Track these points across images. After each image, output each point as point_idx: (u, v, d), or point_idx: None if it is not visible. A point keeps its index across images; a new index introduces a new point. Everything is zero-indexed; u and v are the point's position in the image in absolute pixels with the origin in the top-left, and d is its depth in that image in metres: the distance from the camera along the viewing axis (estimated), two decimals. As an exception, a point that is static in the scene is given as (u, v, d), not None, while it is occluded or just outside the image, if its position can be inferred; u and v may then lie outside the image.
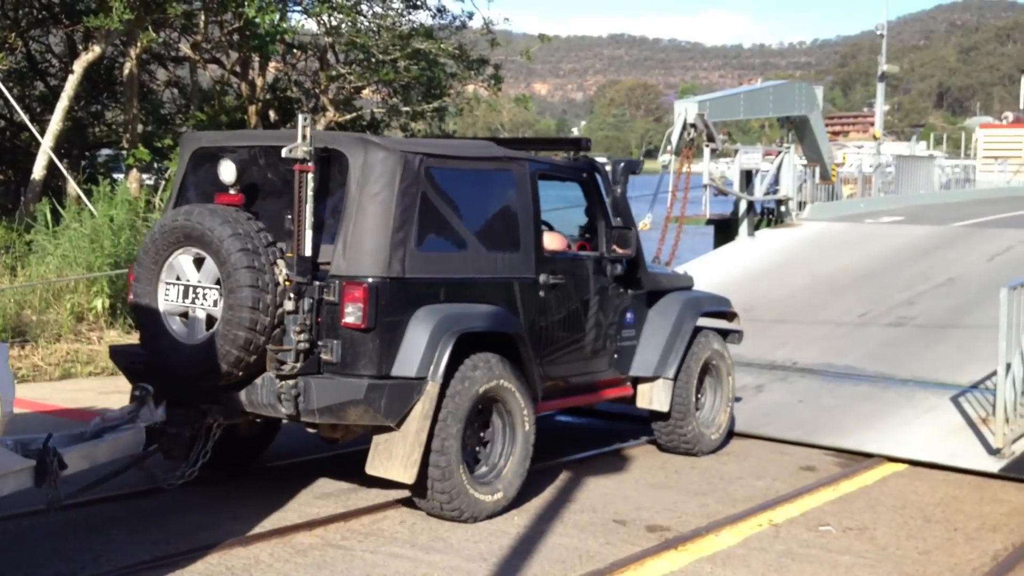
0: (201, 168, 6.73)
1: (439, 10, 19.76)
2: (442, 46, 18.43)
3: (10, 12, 17.40)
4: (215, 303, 6.01)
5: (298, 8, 18.26)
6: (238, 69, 18.62)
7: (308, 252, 5.96)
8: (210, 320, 6.07)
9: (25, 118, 15.49)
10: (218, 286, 5.98)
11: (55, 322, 11.72)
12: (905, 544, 6.37)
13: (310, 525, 6.29)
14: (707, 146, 18.24)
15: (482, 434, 6.61)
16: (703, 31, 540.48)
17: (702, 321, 8.48)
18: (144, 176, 17.10)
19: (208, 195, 6.48)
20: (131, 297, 6.49)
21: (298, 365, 5.91)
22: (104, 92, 19.32)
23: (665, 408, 8.08)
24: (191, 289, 6.15)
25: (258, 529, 6.18)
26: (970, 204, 25.34)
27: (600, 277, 7.62)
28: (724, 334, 8.79)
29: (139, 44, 15.94)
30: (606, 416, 9.69)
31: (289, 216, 6.09)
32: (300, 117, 6.03)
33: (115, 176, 18.05)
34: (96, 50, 15.19)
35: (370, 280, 5.95)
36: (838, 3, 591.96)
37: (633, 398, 8.16)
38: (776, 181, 20.22)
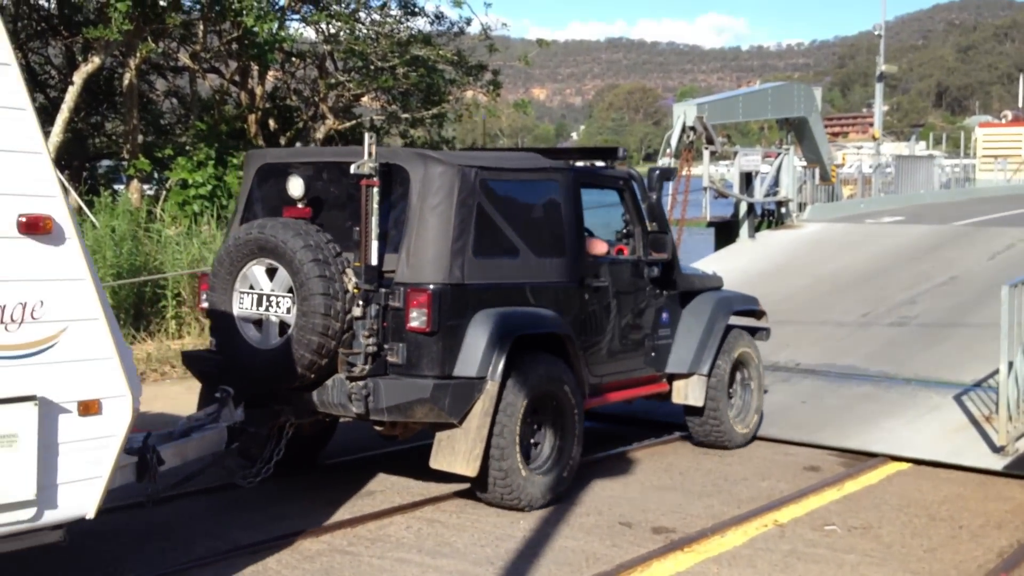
0: (266, 183, 7.15)
1: (437, 16, 19.84)
2: (440, 52, 18.48)
3: (9, 24, 17.46)
4: (288, 310, 6.40)
5: (296, 17, 18.31)
6: (237, 78, 18.68)
7: (374, 261, 6.37)
8: (283, 326, 6.46)
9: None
10: (290, 294, 6.38)
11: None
12: (910, 542, 6.38)
13: (317, 532, 6.32)
14: (706, 148, 18.30)
15: (536, 428, 6.97)
16: (701, 34, 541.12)
17: (732, 319, 8.83)
18: (145, 187, 17.14)
19: (275, 209, 6.90)
20: (202, 306, 7.04)
21: (367, 367, 6.32)
22: (104, 103, 19.37)
23: (700, 403, 8.44)
24: (265, 298, 6.54)
25: (265, 536, 6.20)
26: (970, 203, 25.38)
27: (638, 280, 8.06)
28: (753, 332, 9.13)
29: (138, 55, 15.99)
30: (610, 419, 9.70)
31: (353, 227, 6.51)
32: (366, 136, 6.47)
33: (116, 187, 18.10)
34: (95, 61, 15.23)
35: (432, 286, 6.34)
36: (835, 4, 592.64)
37: (669, 394, 8.51)
38: (776, 183, 20.27)
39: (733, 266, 16.79)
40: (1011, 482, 7.73)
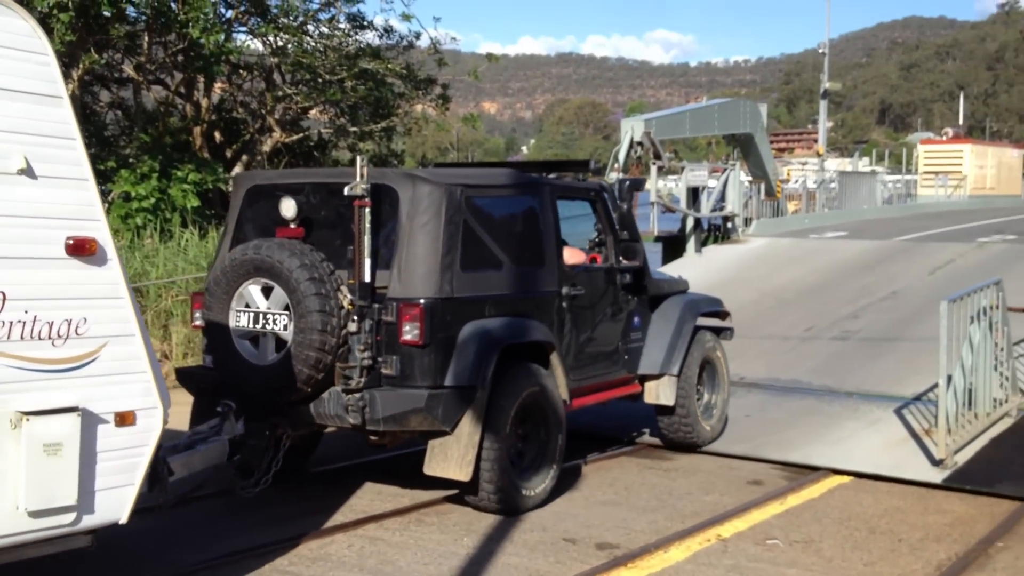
0: (256, 204, 7.41)
1: (386, 30, 19.83)
2: (389, 66, 18.45)
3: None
4: (285, 327, 6.62)
5: (243, 29, 18.20)
6: (183, 90, 18.51)
7: (368, 278, 6.62)
8: (279, 343, 6.68)
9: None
10: (287, 312, 6.60)
11: None
12: (851, 556, 6.44)
13: (257, 551, 6.23)
14: (654, 163, 18.43)
15: (522, 434, 7.24)
16: (650, 50, 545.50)
17: (699, 321, 9.15)
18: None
19: (266, 229, 7.14)
20: (196, 324, 7.35)
21: (363, 380, 6.59)
22: (46, 114, 19.02)
23: (671, 403, 8.79)
24: (261, 315, 6.74)
25: (204, 555, 6.11)
26: (911, 219, 25.80)
27: (611, 286, 8.40)
28: (718, 332, 9.44)
29: (81, 66, 15.78)
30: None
31: (344, 245, 6.79)
32: (358, 158, 6.80)
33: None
34: (37, 72, 14.95)
35: (424, 301, 6.63)
36: (781, 22, 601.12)
37: (641, 395, 8.83)
38: (722, 198, 20.46)
39: (680, 281, 16.90)
40: (950, 495, 7.82)
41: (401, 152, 25.15)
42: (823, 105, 38.21)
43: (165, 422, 5.11)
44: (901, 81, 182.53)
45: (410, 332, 6.60)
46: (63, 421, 4.67)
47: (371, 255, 6.64)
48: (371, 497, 7.51)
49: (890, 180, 35.05)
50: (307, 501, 7.32)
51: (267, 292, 6.73)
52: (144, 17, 16.79)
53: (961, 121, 67.06)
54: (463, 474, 6.74)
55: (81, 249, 4.76)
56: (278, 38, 17.81)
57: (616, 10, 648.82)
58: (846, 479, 8.29)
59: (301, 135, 19.11)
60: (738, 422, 9.85)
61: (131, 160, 16.40)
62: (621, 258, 8.46)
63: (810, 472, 8.45)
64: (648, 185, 19.27)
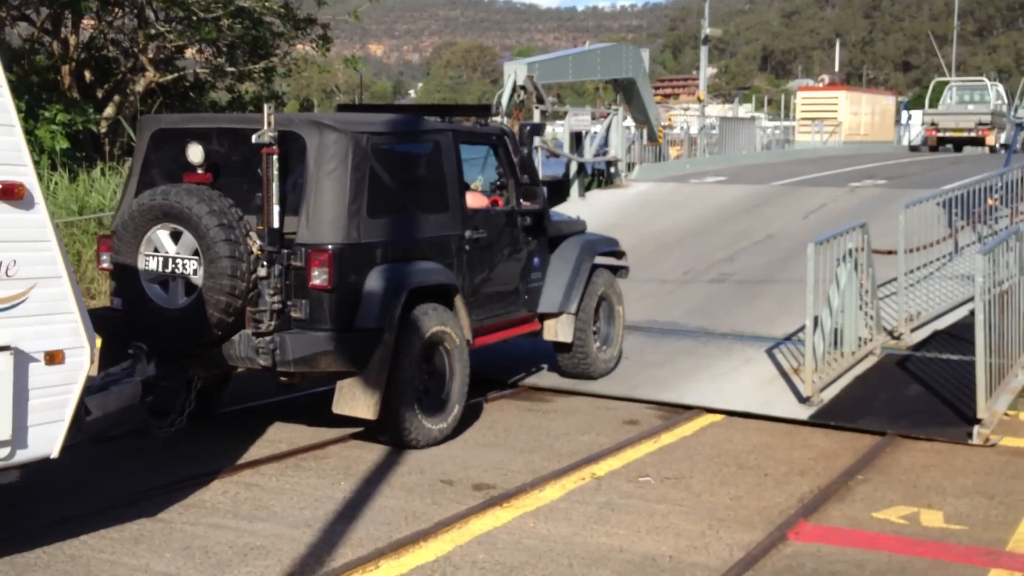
0: (161, 149, 7.45)
1: (264, -33, 19.24)
2: (267, 4, 17.96)
3: None
4: (194, 272, 6.72)
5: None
6: (49, 27, 17.72)
7: (276, 224, 6.76)
8: (189, 287, 6.78)
9: None
10: (196, 257, 6.70)
11: None
12: (719, 491, 6.64)
13: (130, 499, 6.13)
14: (537, 108, 18.41)
15: (427, 374, 7.50)
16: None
17: (596, 260, 9.52)
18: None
19: (172, 174, 7.17)
20: (103, 266, 7.43)
21: (273, 323, 6.77)
22: (-99, 50, 18.08)
23: (569, 340, 9.17)
24: (171, 260, 6.83)
25: (78, 505, 5.98)
26: (789, 164, 26.36)
27: (513, 229, 8.67)
28: (614, 270, 9.87)
29: (-63, -1, 15.00)
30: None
31: (252, 191, 6.89)
32: (265, 106, 6.88)
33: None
34: None
35: (332, 247, 6.81)
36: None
37: (540, 332, 9.18)
38: (605, 143, 20.57)
39: (562, 225, 17.01)
40: (816, 431, 8.12)
41: (282, 94, 24.62)
42: (704, 51, 38.66)
43: (92, 361, 5.28)
44: (782, 28, 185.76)
45: (319, 277, 6.78)
46: None
47: (279, 202, 6.75)
48: (271, 439, 7.45)
49: (769, 126, 35.78)
50: (192, 444, 7.21)
51: (176, 237, 6.81)
52: (5, -51, 16.01)
53: (837, 68, 68.67)
54: (371, 413, 7.00)
55: (9, 193, 4.85)
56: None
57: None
58: (718, 417, 8.53)
59: (176, 75, 18.53)
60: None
61: (-6, 100, 15.67)
62: (522, 201, 8.72)
63: (684, 411, 8.67)
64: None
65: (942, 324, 10.63)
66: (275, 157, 6.74)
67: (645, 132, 23.31)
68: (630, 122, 23.32)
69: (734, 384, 9.22)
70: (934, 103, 37.79)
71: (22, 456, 5.01)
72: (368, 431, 7.43)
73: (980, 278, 7.85)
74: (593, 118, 21.83)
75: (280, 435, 7.68)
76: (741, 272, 13.52)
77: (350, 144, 7.00)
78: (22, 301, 4.98)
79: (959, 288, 11.37)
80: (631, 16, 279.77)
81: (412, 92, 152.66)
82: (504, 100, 16.98)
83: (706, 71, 39.95)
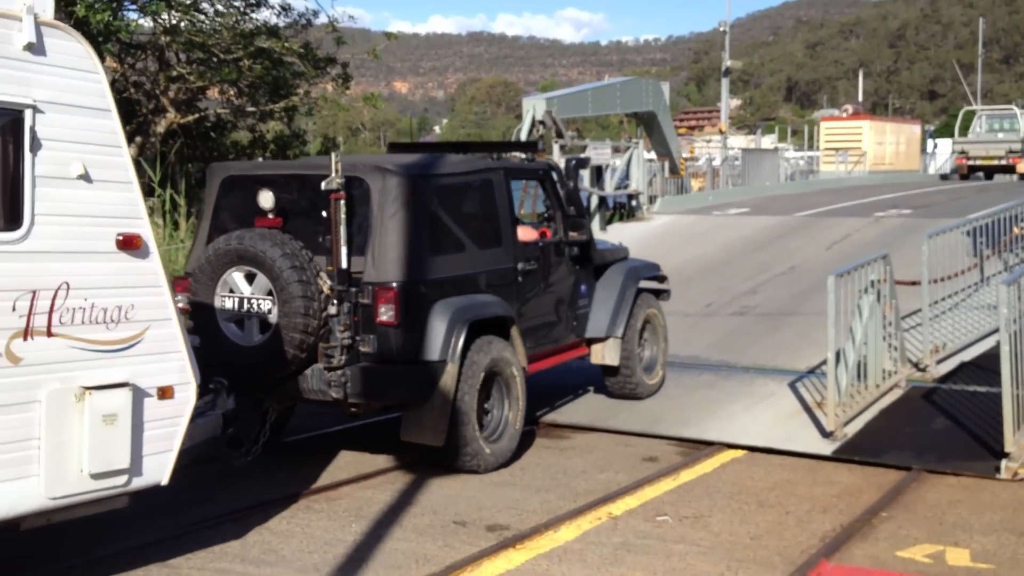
0: (231, 194, 7.83)
1: (283, 8, 19.42)
2: (287, 44, 18.08)
3: None
4: (269, 311, 7.12)
5: (134, 7, 17.65)
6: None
7: (345, 265, 7.12)
8: (263, 324, 7.19)
9: None
10: (270, 296, 7.12)
11: None
12: (738, 530, 6.48)
13: (138, 545, 6.04)
14: (556, 142, 18.38)
15: (487, 401, 7.80)
16: (561, 29, 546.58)
17: (640, 285, 9.87)
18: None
19: (242, 218, 7.59)
20: (181, 306, 7.35)
21: (343, 358, 7.13)
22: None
23: (616, 363, 9.52)
24: (246, 300, 7.25)
25: (86, 550, 5.90)
26: (812, 194, 26.19)
27: (561, 259, 9.05)
28: (657, 294, 10.23)
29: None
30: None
31: (319, 233, 7.30)
32: (332, 154, 7.24)
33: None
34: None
35: (397, 284, 7.16)
36: (689, 1, 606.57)
37: (588, 356, 9.56)
38: (626, 176, 20.52)
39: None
40: (839, 466, 7.94)
41: (305, 132, 24.74)
42: (725, 83, 38.64)
43: (197, 396, 5.73)
44: (806, 59, 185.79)
45: (385, 313, 7.13)
46: (117, 395, 5.27)
47: (347, 243, 7.12)
48: (282, 479, 7.36)
49: (793, 156, 35.63)
50: (203, 487, 7.13)
51: (250, 278, 7.21)
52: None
53: (861, 98, 68.30)
54: (438, 440, 7.36)
55: (129, 244, 5.35)
56: (170, 16, 17.32)
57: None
58: (739, 453, 8.36)
59: (197, 115, 18.64)
60: (636, 400, 9.88)
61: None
62: (569, 232, 9.08)
63: (704, 447, 8.51)
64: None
65: (968, 355, 10.42)
66: (342, 202, 7.10)
67: (667, 165, 23.23)
68: (653, 155, 23.26)
69: (756, 419, 9.05)
70: (963, 132, 37.54)
71: (137, 483, 5.42)
72: (432, 458, 7.68)
73: (1004, 309, 7.67)
74: (615, 151, 21.77)
75: (292, 475, 7.58)
76: (764, 304, 13.36)
77: (411, 187, 7.36)
78: (138, 342, 5.44)
79: (986, 318, 11.16)
80: (655, 50, 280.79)
81: (437, 128, 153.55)
82: (523, 135, 16.97)
83: (728, 103, 39.90)
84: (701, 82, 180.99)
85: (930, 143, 44.45)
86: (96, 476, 5.19)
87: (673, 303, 13.62)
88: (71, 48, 5.19)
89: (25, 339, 4.95)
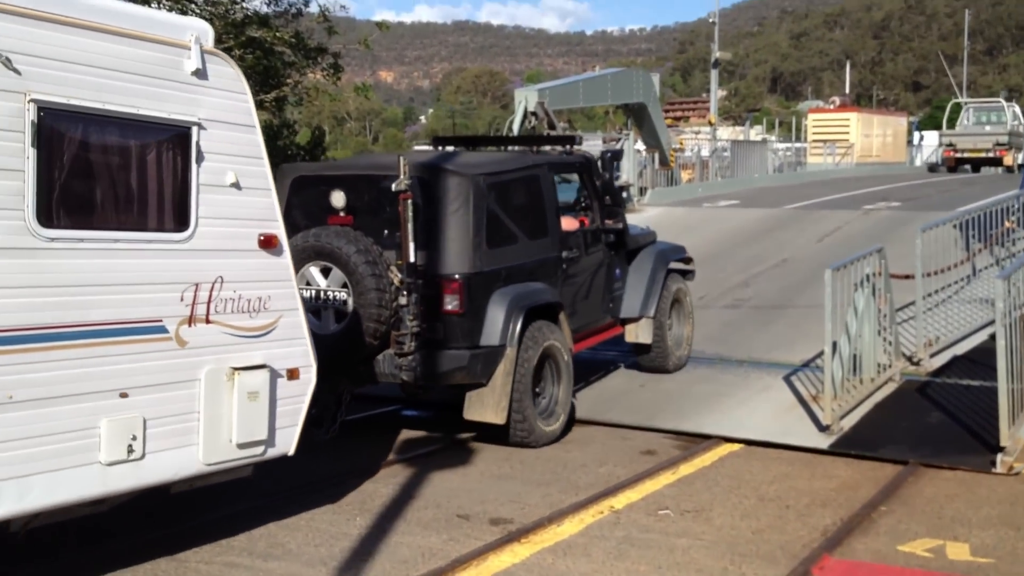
0: (301, 193, 8.38)
1: (274, -3, 19.27)
2: (278, 34, 17.98)
3: None
4: (344, 302, 7.70)
5: (124, -5, 17.52)
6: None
7: (413, 259, 7.65)
8: (339, 315, 7.73)
9: None
10: (345, 289, 7.70)
11: None
12: (739, 524, 6.53)
13: (150, 539, 6.05)
14: (548, 133, 18.37)
15: (539, 382, 8.42)
16: (546, 18, 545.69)
17: (669, 266, 10.56)
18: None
19: (313, 216, 8.10)
20: None
21: (413, 344, 7.70)
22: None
23: (649, 341, 10.19)
24: (322, 292, 7.81)
25: (95, 543, 5.91)
26: (801, 187, 26.30)
27: (598, 245, 9.64)
28: (683, 274, 10.88)
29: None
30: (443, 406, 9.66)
31: (382, 227, 7.88)
32: (400, 157, 7.72)
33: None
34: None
35: (460, 276, 7.80)
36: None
37: (623, 335, 10.20)
38: (617, 167, 20.51)
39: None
40: (836, 460, 8.00)
41: (294, 123, 24.63)
42: (714, 75, 38.71)
43: (317, 377, 6.36)
44: (791, 50, 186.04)
45: (450, 303, 7.79)
46: (258, 375, 5.94)
47: (414, 239, 7.62)
48: (287, 471, 7.37)
49: (781, 148, 35.70)
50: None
51: (326, 272, 7.76)
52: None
53: (848, 89, 68.49)
54: (500, 418, 8.00)
55: (268, 243, 6.06)
56: (160, 5, 17.20)
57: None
58: (737, 447, 8.42)
59: (188, 106, 18.50)
60: (633, 392, 9.94)
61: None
62: (605, 220, 9.64)
63: (702, 440, 8.56)
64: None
65: (961, 349, 10.52)
66: (410, 202, 7.61)
67: (657, 156, 23.27)
68: (641, 146, 23.29)
69: (752, 412, 9.11)
70: (951, 124, 37.73)
71: (271, 453, 6.08)
72: (491, 434, 8.27)
73: (1000, 303, 7.74)
74: (604, 143, 21.79)
75: (294, 469, 7.58)
76: (757, 297, 13.43)
77: (470, 186, 7.97)
78: (273, 329, 6.11)
79: (978, 312, 11.26)
80: (640, 40, 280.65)
81: (423, 118, 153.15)
82: (515, 126, 16.98)
83: (716, 94, 39.95)
84: (686, 72, 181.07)
85: (916, 135, 44.64)
86: (241, 446, 5.85)
87: (666, 296, 13.71)
88: (227, 72, 5.92)
89: (190, 325, 5.64)
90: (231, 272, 5.86)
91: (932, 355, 10.19)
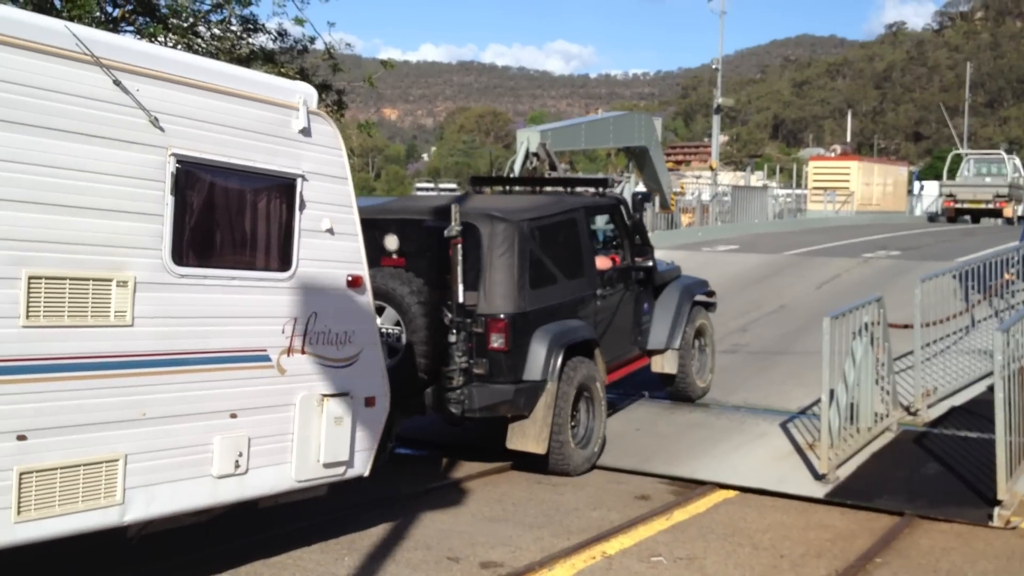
0: None
1: (280, 34, 19.36)
2: (283, 70, 18.05)
3: None
4: (397, 339, 8.08)
5: (131, 29, 17.62)
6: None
7: (462, 300, 8.18)
8: (391, 350, 8.00)
9: None
10: (398, 327, 8.09)
11: None
12: (733, 573, 6.45)
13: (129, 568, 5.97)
14: (549, 175, 18.43)
15: (577, 412, 8.85)
16: (550, 60, 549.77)
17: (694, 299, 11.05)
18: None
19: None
20: None
21: (462, 379, 8.21)
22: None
23: (674, 371, 10.71)
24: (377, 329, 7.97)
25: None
26: (801, 233, 26.33)
27: (629, 282, 10.15)
28: (706, 306, 11.35)
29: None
30: (438, 446, 9.59)
31: (429, 267, 8.33)
32: (452, 205, 8.30)
33: None
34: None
35: (505, 316, 8.29)
36: (678, 36, 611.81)
37: (649, 365, 10.71)
38: (617, 210, 20.53)
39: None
40: (832, 510, 7.92)
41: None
42: (716, 120, 38.89)
43: (389, 406, 6.89)
44: (793, 97, 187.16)
45: (496, 340, 8.26)
46: (342, 401, 6.51)
47: (463, 281, 8.14)
48: (276, 509, 7.29)
49: (781, 195, 35.80)
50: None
51: (379, 310, 7.98)
52: (26, 13, 16.14)
53: (849, 138, 68.85)
54: (540, 448, 8.47)
55: (355, 283, 6.65)
56: (167, 39, 17.29)
57: (516, 20, 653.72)
58: (732, 493, 8.34)
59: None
60: (628, 435, 9.87)
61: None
62: (636, 258, 10.17)
63: (697, 486, 8.48)
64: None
65: (959, 400, 10.45)
66: (460, 246, 8.13)
67: (657, 199, 23.31)
68: (642, 188, 23.34)
69: (747, 459, 9.04)
70: (951, 175, 37.87)
71: (350, 473, 6.63)
72: (531, 463, 8.67)
73: (999, 355, 7.70)
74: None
75: (282, 507, 7.49)
76: (754, 343, 13.39)
77: (516, 231, 8.48)
78: (356, 360, 6.65)
79: (976, 363, 11.21)
80: (643, 84, 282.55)
81: (425, 156, 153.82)
82: (517, 166, 17.01)
83: (718, 139, 40.12)
84: (688, 117, 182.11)
85: (916, 184, 44.79)
86: (327, 466, 6.41)
87: (664, 339, 13.66)
88: (326, 130, 6.52)
89: (288, 355, 6.23)
90: (324, 308, 6.43)
91: (930, 406, 10.12)
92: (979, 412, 9.65)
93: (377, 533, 6.99)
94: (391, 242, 8.37)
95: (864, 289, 14.52)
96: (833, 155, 42.54)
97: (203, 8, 17.70)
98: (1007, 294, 12.97)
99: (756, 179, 50.75)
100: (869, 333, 9.07)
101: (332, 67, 19.36)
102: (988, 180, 34.82)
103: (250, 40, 18.42)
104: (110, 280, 5.25)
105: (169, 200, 5.52)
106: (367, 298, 6.78)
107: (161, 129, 5.48)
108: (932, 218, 37.94)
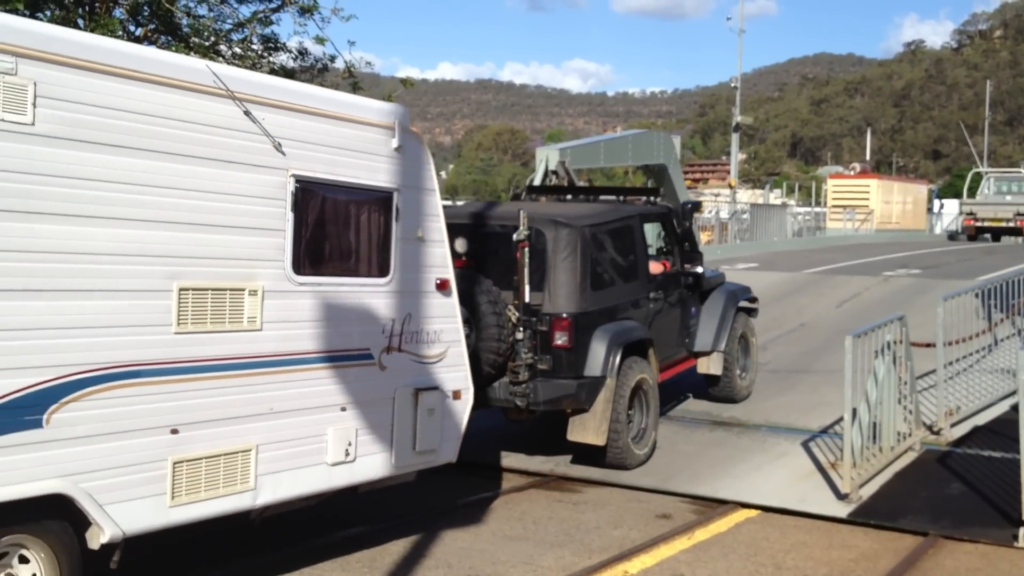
0: None
1: (301, 52, 19.49)
2: (303, 89, 18.15)
3: None
4: (468, 336, 8.14)
5: (153, 48, 17.76)
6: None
7: (528, 299, 8.72)
8: None
9: None
10: (467, 324, 8.25)
11: None
12: (756, 593, 6.40)
13: (148, 589, 5.98)
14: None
15: (633, 408, 9.30)
16: (568, 79, 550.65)
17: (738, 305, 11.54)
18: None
19: None
20: None
21: (527, 374, 8.70)
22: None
23: (719, 373, 11.22)
24: None
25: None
26: (820, 251, 26.24)
27: (678, 286, 10.69)
28: (749, 312, 11.87)
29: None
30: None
31: (496, 268, 8.81)
32: (520, 211, 8.80)
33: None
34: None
35: (568, 315, 8.77)
36: (696, 55, 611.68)
37: (695, 367, 11.19)
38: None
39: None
40: (855, 530, 7.87)
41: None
42: (735, 138, 38.83)
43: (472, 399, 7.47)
44: (812, 116, 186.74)
45: (560, 338, 8.73)
46: (434, 395, 7.16)
47: (529, 282, 8.65)
48: (295, 524, 7.30)
49: (800, 212, 35.72)
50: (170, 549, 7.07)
51: None
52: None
53: (868, 156, 68.72)
54: (599, 440, 8.94)
55: (443, 286, 7.29)
56: (190, 53, 17.41)
57: (534, 38, 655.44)
58: (753, 513, 8.30)
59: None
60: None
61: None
62: (685, 264, 10.73)
63: (718, 505, 8.44)
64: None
65: (983, 419, 10.37)
66: (527, 250, 8.64)
67: (676, 218, 23.24)
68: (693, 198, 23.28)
69: (769, 478, 8.99)
70: (972, 193, 37.71)
71: (441, 459, 7.26)
72: (590, 456, 9.18)
73: (1022, 374, 7.64)
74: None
75: (302, 522, 7.51)
76: (775, 361, 13.32)
77: (578, 236, 8.94)
78: (444, 357, 7.28)
79: (999, 382, 11.12)
80: (661, 102, 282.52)
81: (443, 173, 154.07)
82: (536, 183, 16.99)
83: (737, 157, 40.08)
84: (706, 135, 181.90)
85: (936, 203, 44.62)
86: (421, 453, 7.03)
87: (683, 357, 13.61)
88: (417, 147, 7.10)
89: (387, 353, 6.86)
90: (417, 310, 7.09)
91: (953, 425, 10.05)
92: (1003, 431, 9.58)
93: (397, 551, 6.98)
94: (461, 244, 8.79)
95: (885, 308, 14.45)
96: (852, 173, 42.44)
97: (225, 27, 17.82)
98: (1030, 313, 12.85)
99: (774, 197, 50.61)
100: (892, 352, 9.02)
101: (352, 85, 19.47)
102: (1009, 198, 34.63)
103: (271, 59, 18.54)
104: (243, 290, 5.89)
105: (290, 216, 6.17)
106: (453, 299, 7.36)
107: (283, 153, 6.13)
108: (952, 236, 37.78)
